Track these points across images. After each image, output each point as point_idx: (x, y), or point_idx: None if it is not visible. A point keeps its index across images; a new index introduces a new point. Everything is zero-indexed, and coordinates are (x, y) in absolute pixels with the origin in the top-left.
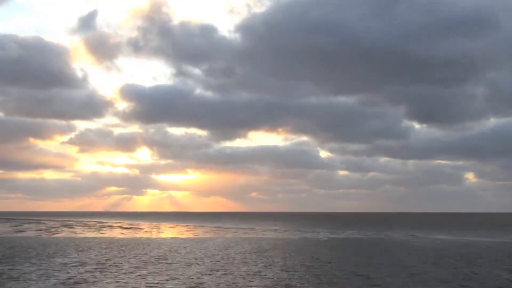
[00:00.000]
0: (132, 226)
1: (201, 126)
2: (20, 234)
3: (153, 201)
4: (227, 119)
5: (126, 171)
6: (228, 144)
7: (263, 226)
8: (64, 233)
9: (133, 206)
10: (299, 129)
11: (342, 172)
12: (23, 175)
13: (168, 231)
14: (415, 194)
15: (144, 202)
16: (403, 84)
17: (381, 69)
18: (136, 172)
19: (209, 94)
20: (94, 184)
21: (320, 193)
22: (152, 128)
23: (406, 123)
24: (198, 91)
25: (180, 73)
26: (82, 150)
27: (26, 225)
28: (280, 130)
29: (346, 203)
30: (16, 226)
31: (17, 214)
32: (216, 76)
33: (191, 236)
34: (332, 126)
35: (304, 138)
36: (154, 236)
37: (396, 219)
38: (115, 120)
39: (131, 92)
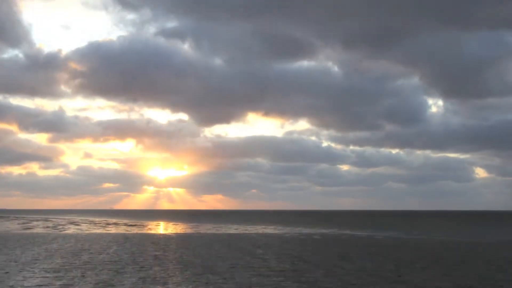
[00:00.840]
0: (136, 224)
1: (179, 107)
2: (30, 231)
3: (151, 198)
4: (210, 98)
5: (116, 166)
6: (217, 130)
7: (262, 224)
8: (71, 229)
9: (132, 204)
10: (295, 112)
11: (345, 167)
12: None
13: (186, 230)
14: (425, 190)
15: (142, 199)
16: (427, 31)
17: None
18: (127, 167)
19: (176, 57)
20: (87, 180)
21: (322, 190)
22: (125, 108)
23: (422, 99)
24: (162, 53)
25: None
26: (55, 139)
27: (34, 223)
28: (273, 113)
29: (351, 201)
30: (24, 223)
31: (20, 212)
32: (171, 20)
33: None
34: (333, 108)
35: (303, 123)
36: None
37: (394, 218)
38: (76, 96)
39: (86, 55)
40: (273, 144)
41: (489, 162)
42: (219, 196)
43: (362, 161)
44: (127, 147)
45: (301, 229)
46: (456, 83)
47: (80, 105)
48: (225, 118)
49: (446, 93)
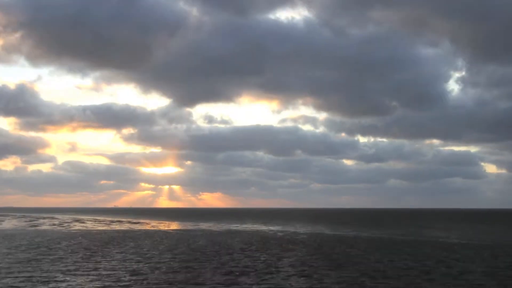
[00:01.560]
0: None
1: (151, 81)
2: (37, 228)
3: (149, 196)
4: (189, 67)
5: (106, 161)
6: (203, 111)
7: (253, 223)
8: (77, 227)
9: (131, 202)
10: (291, 91)
11: (347, 162)
12: None
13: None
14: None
15: (141, 197)
16: None
17: None
18: (116, 161)
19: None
20: (82, 178)
21: (322, 188)
22: (90, 86)
23: (443, 71)
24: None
25: None
26: (29, 126)
27: (41, 220)
28: (267, 94)
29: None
30: (30, 221)
31: (21, 210)
32: None
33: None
34: (335, 86)
35: (301, 107)
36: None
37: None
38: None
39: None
40: (270, 134)
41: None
42: (218, 194)
43: (365, 155)
44: (108, 138)
45: (285, 228)
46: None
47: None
48: (211, 96)
49: (473, 58)
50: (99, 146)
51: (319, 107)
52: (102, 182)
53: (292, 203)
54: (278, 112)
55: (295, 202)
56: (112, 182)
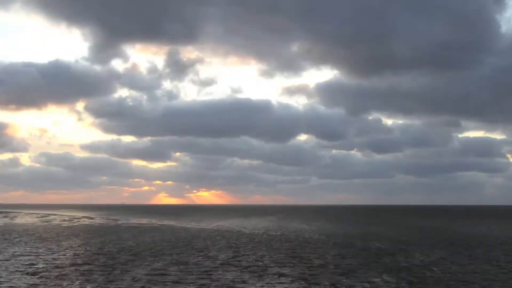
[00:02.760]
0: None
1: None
2: (49, 224)
3: (147, 193)
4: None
5: (95, 156)
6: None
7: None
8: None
9: (130, 199)
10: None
11: (352, 152)
12: None
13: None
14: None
15: (139, 194)
16: None
17: None
18: (92, 152)
19: None
20: (79, 174)
21: (324, 184)
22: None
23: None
24: None
25: None
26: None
27: (52, 216)
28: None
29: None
30: (42, 217)
31: (22, 207)
32: None
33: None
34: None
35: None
36: None
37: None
38: None
39: None
40: (264, 113)
41: None
42: (217, 192)
43: (372, 143)
44: (62, 118)
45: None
46: None
47: None
48: (163, 28)
49: None
50: (63, 135)
51: (319, 56)
52: (95, 177)
53: (293, 200)
54: (266, 73)
55: (297, 199)
56: (105, 177)
